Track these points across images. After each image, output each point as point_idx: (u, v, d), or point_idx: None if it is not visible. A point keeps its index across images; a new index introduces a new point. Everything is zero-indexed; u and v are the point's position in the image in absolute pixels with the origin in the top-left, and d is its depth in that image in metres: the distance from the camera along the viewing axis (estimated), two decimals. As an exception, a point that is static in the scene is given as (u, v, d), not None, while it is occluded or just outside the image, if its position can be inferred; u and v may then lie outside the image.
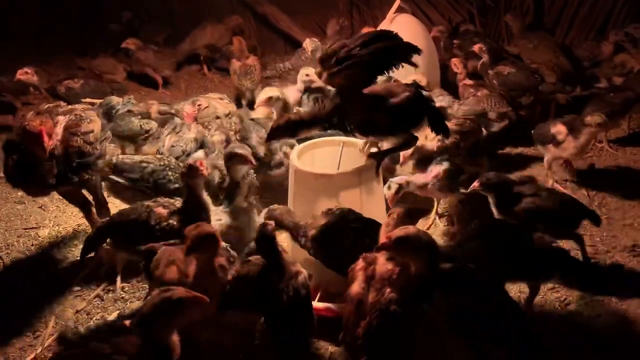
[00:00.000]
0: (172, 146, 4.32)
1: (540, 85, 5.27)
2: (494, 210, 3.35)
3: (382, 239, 2.61)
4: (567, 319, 3.13)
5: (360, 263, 2.59)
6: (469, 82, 5.23)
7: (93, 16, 8.10)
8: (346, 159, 3.28)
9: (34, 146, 3.19)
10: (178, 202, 3.29)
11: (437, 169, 3.74)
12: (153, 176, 3.82)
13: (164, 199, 3.32)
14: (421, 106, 2.97)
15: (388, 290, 2.42)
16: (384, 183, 3.55)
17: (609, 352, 2.93)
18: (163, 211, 3.20)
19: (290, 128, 2.95)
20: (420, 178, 3.75)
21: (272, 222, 2.78)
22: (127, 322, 2.67)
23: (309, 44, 6.05)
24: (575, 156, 4.33)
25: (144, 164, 3.87)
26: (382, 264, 2.52)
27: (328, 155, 3.41)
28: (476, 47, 5.42)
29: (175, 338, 2.26)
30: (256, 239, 2.76)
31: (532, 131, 4.46)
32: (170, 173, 3.84)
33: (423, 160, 3.92)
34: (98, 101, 5.63)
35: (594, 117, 4.12)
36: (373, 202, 3.24)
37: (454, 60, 5.45)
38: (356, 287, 2.52)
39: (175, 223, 3.16)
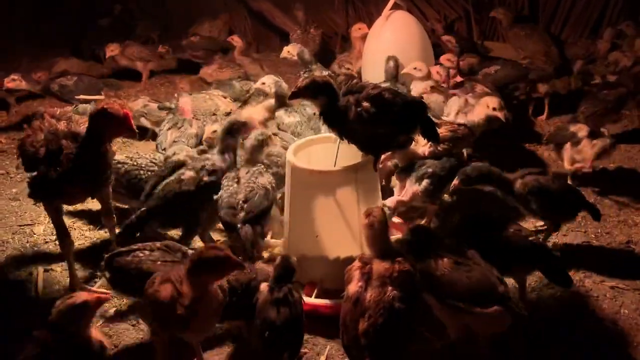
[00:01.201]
0: (174, 141, 4.30)
1: (529, 73, 5.32)
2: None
3: (368, 242, 2.68)
4: (562, 315, 3.16)
5: (356, 263, 2.63)
6: (458, 79, 5.24)
7: (86, 12, 8.04)
8: (343, 156, 3.29)
9: (118, 131, 3.11)
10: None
11: (413, 189, 3.64)
12: (125, 177, 3.75)
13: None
14: (416, 115, 3.13)
15: (390, 288, 2.48)
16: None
17: (604, 349, 2.96)
18: (191, 173, 3.37)
19: (312, 89, 2.99)
20: (404, 197, 3.67)
21: (294, 258, 2.78)
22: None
23: (292, 49, 5.92)
24: (592, 162, 4.23)
25: (119, 165, 3.77)
26: (379, 263, 2.58)
27: (325, 152, 3.41)
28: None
29: (95, 332, 2.37)
30: (278, 270, 2.71)
31: (549, 133, 4.47)
32: (142, 172, 3.76)
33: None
34: (92, 97, 5.65)
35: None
36: (369, 199, 3.25)
37: (446, 56, 5.44)
38: (353, 286, 2.55)
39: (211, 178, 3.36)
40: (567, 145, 4.23)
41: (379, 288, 2.48)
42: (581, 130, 4.19)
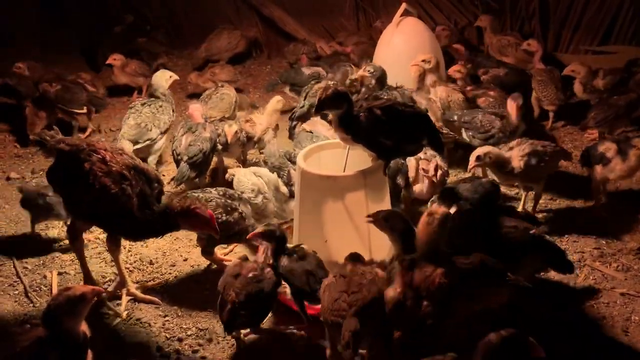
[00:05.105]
0: (190, 145, 4.36)
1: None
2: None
3: (421, 233, 2.62)
4: (572, 322, 3.16)
5: (397, 267, 2.64)
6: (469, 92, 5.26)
7: (96, 20, 8.12)
8: (353, 161, 3.32)
9: (201, 229, 3.17)
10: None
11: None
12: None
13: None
14: (424, 125, 3.30)
15: (425, 303, 2.51)
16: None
17: (614, 356, 2.96)
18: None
19: (336, 99, 3.05)
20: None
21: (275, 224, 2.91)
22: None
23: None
24: (624, 178, 4.14)
25: None
26: (420, 269, 2.55)
27: (335, 157, 3.44)
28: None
29: (84, 326, 2.44)
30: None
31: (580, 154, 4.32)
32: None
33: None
34: (73, 111, 5.56)
35: None
36: (378, 204, 3.27)
37: (455, 67, 5.40)
38: (391, 292, 2.58)
39: None
40: (598, 167, 4.03)
41: (414, 300, 2.51)
42: (609, 150, 3.99)
